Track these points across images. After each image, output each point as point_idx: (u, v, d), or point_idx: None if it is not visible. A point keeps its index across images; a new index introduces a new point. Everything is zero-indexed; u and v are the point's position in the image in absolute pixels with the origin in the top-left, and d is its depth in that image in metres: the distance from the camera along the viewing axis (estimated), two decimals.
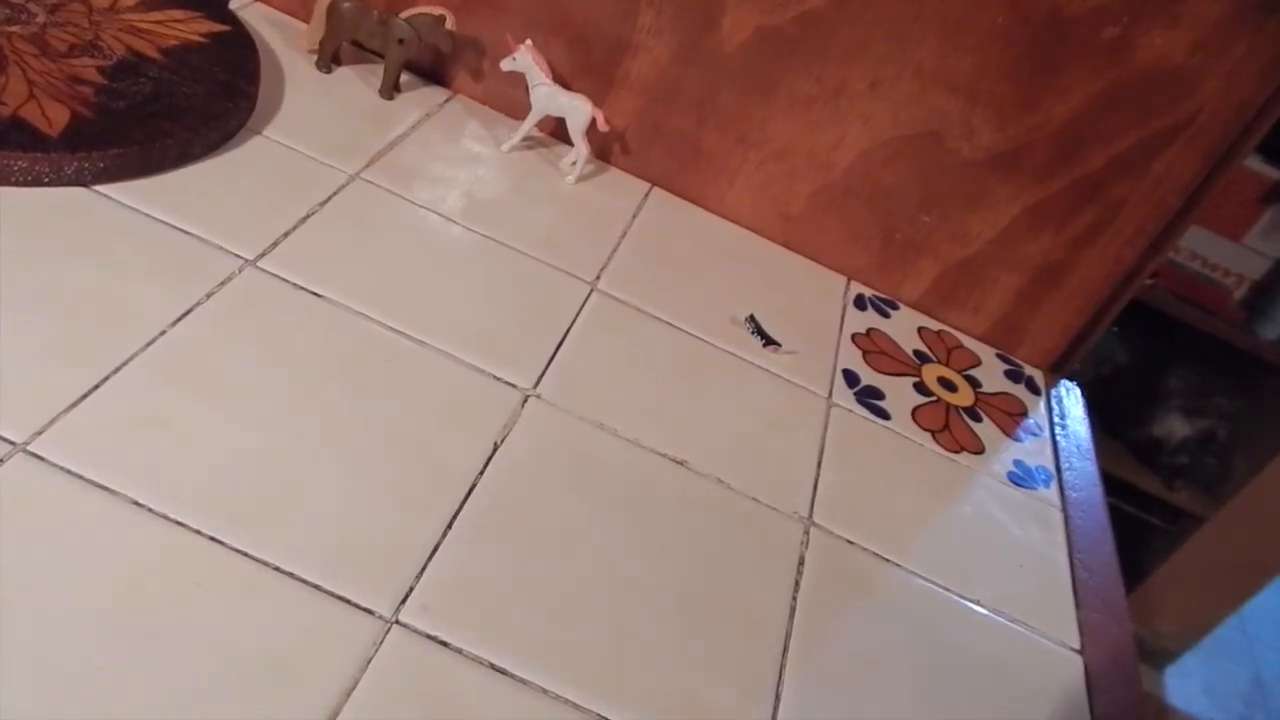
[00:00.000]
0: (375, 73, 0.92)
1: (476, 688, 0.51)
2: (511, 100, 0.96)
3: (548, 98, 0.89)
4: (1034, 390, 0.95)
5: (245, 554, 0.52)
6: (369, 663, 0.50)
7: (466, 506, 0.60)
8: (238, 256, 0.69)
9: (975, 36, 0.84)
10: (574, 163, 0.92)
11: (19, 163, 0.66)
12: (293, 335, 0.65)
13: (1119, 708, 0.67)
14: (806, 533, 0.69)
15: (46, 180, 0.67)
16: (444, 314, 0.72)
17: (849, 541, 0.70)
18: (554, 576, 0.58)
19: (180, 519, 0.52)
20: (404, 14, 0.88)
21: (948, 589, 0.70)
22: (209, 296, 0.65)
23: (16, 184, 0.66)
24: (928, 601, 0.68)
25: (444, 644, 0.52)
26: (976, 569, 0.72)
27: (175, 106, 0.74)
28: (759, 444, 0.74)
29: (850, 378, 0.85)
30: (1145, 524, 1.97)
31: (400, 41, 0.88)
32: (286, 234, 0.72)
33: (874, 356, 0.89)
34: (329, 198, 0.77)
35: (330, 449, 0.59)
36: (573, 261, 0.82)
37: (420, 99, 0.94)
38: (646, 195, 0.95)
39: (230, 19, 0.86)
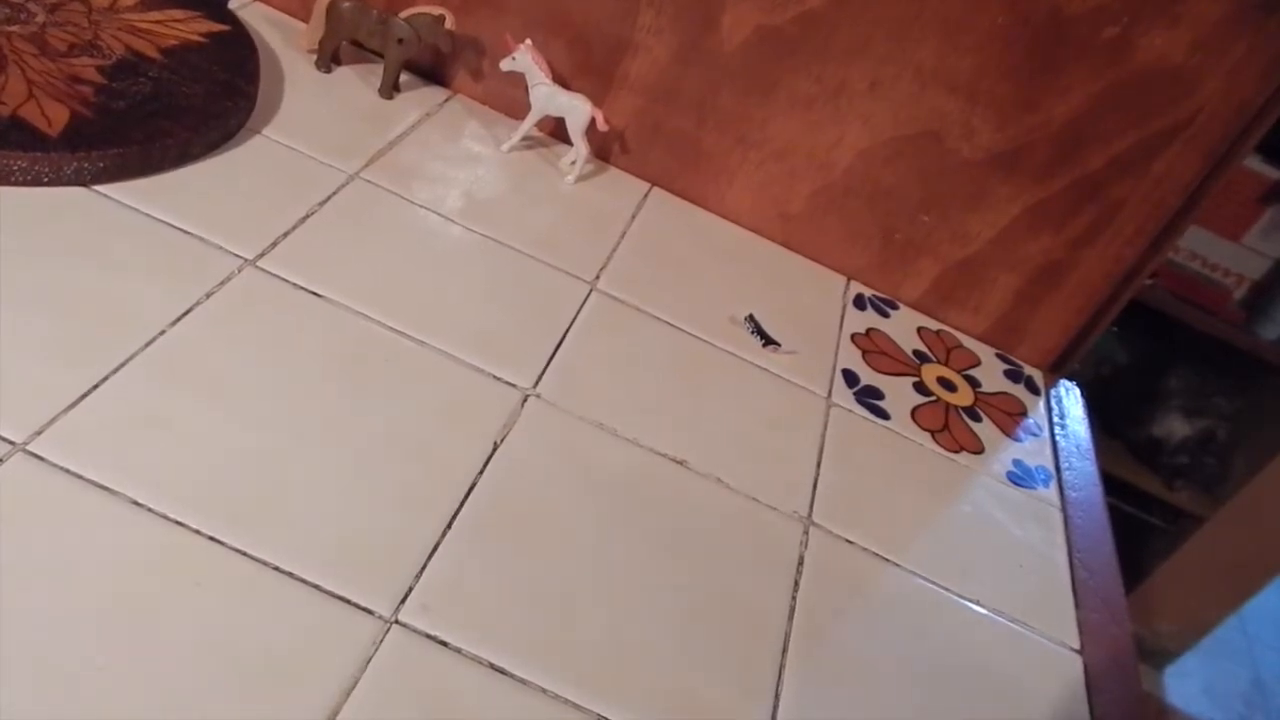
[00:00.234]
0: (375, 72, 0.92)
1: (476, 687, 0.51)
2: (511, 100, 0.96)
3: (547, 97, 0.89)
4: (1033, 390, 0.95)
5: (245, 554, 0.52)
6: (368, 662, 0.50)
7: (466, 506, 0.60)
8: (237, 256, 0.69)
9: (975, 36, 0.84)
10: (574, 162, 0.92)
11: (19, 162, 0.66)
12: (292, 335, 0.65)
13: (1119, 708, 0.67)
14: (806, 532, 0.69)
15: (46, 180, 0.67)
16: (444, 314, 0.72)
17: (848, 541, 0.70)
18: (554, 576, 0.58)
19: (180, 519, 0.52)
20: (403, 14, 0.88)
21: (947, 589, 0.70)
22: (209, 296, 0.65)
23: (16, 184, 0.66)
24: (927, 601, 0.68)
25: (443, 644, 0.52)
26: (976, 569, 0.72)
27: (175, 106, 0.74)
28: (759, 444, 0.74)
29: (850, 377, 0.85)
30: (1145, 524, 1.97)
31: (400, 41, 0.88)
32: (286, 234, 0.72)
33: (873, 356, 0.89)
34: (329, 197, 0.77)
35: (330, 449, 0.59)
36: (572, 261, 0.82)
37: (420, 99, 0.94)
38: (646, 195, 0.95)
39: (230, 19, 0.86)
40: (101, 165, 0.69)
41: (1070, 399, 0.97)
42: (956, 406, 0.87)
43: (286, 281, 0.69)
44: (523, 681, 0.52)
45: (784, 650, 0.60)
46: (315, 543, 0.54)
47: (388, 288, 0.72)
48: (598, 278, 0.82)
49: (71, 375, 0.56)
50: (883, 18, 0.85)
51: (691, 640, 0.58)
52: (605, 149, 0.96)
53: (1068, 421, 0.93)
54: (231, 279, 0.67)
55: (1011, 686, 0.65)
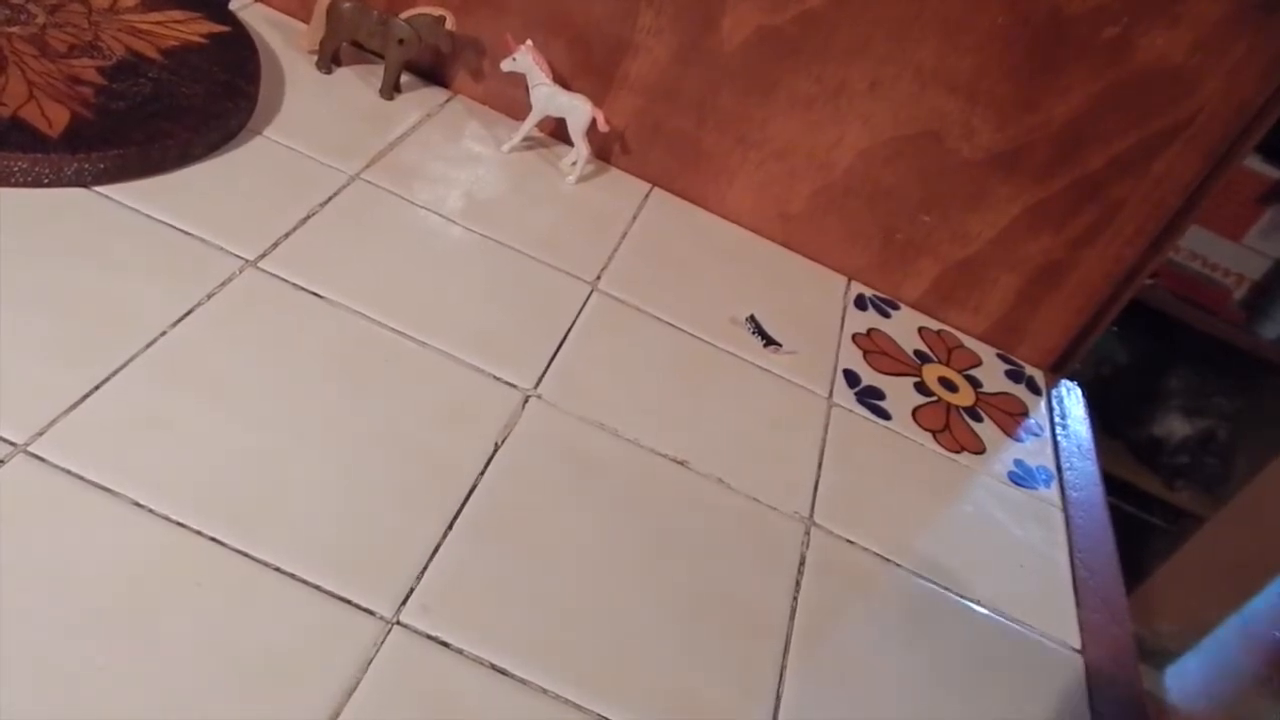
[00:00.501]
0: (375, 73, 0.92)
1: (477, 688, 0.51)
2: (512, 100, 0.96)
3: (548, 98, 0.89)
4: (1034, 390, 0.95)
5: (246, 554, 0.52)
6: (370, 663, 0.50)
7: (467, 507, 0.60)
8: (238, 257, 0.69)
9: (975, 36, 0.84)
10: (574, 163, 0.92)
11: (19, 163, 0.66)
12: (293, 336, 0.65)
13: (1119, 707, 0.67)
14: (807, 533, 0.69)
15: (47, 181, 0.67)
16: (444, 314, 0.72)
17: (849, 541, 0.70)
18: (554, 577, 0.58)
19: (181, 519, 0.52)
20: (404, 14, 0.88)
21: (948, 589, 0.70)
22: (209, 297, 0.65)
23: (17, 185, 0.66)
24: (928, 601, 0.68)
25: (444, 644, 0.52)
26: (977, 569, 0.72)
27: (175, 107, 0.74)
28: (760, 444, 0.74)
29: (851, 378, 0.85)
30: (1146, 524, 1.97)
31: (400, 42, 0.88)
32: (287, 234, 0.72)
33: (874, 356, 0.89)
34: (329, 198, 0.77)
35: (331, 449, 0.59)
36: (573, 262, 0.82)
37: (420, 99, 0.94)
38: (647, 195, 0.95)
39: (230, 19, 0.86)
40: (102, 166, 0.69)
41: (1071, 399, 0.97)
42: (958, 406, 0.87)
43: (287, 282, 0.69)
44: (524, 682, 0.52)
45: (785, 651, 0.60)
46: (316, 543, 0.54)
47: (389, 288, 0.72)
48: (599, 278, 0.82)
49: (72, 376, 0.56)
50: (883, 18, 0.85)
51: (692, 641, 0.58)
52: (606, 149, 0.96)
53: (1069, 421, 0.93)
54: (232, 280, 0.67)
55: (1012, 686, 0.65)
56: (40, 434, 0.53)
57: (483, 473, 0.62)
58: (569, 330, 0.76)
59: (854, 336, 0.90)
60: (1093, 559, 0.78)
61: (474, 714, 0.50)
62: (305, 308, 0.68)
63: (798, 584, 0.65)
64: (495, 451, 0.64)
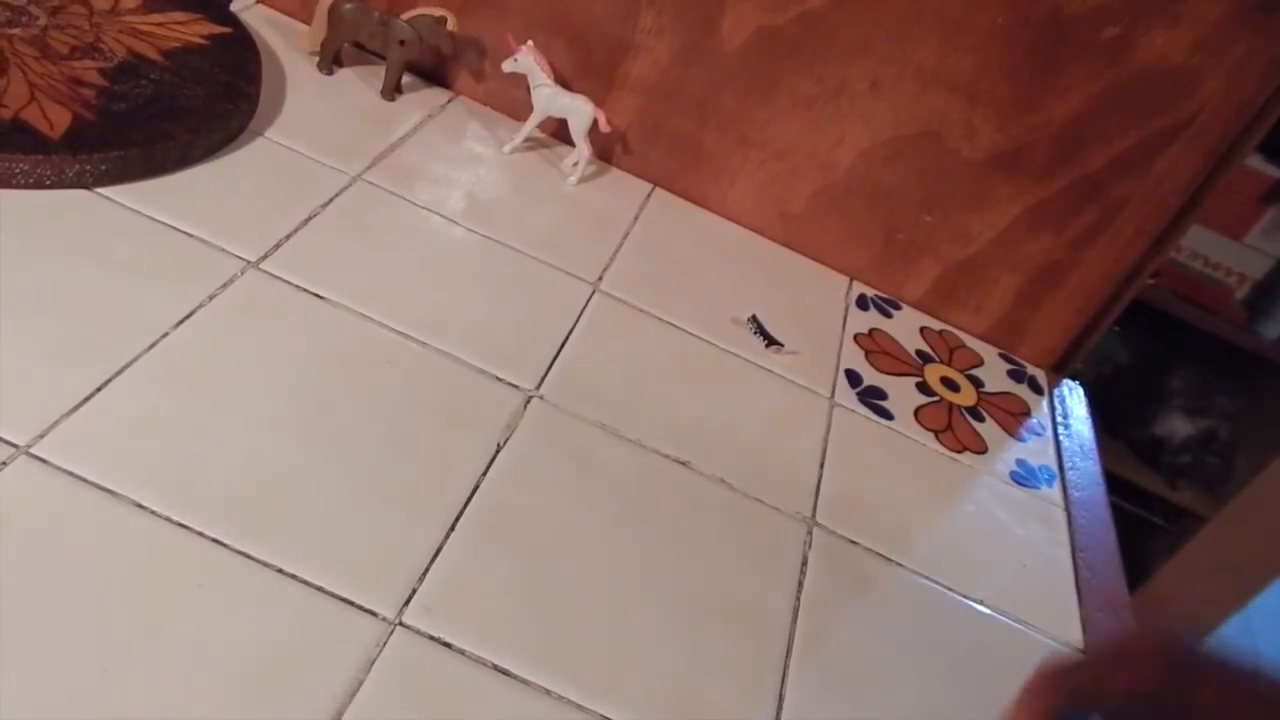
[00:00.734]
0: (377, 74, 0.92)
1: (480, 689, 0.51)
2: (513, 101, 0.96)
3: (549, 99, 0.89)
4: (1036, 390, 0.95)
5: (247, 555, 0.52)
6: (372, 664, 0.50)
7: (469, 508, 0.60)
8: (240, 258, 0.69)
9: (975, 36, 0.84)
10: (576, 164, 0.92)
11: (21, 165, 0.66)
12: (295, 337, 0.65)
13: None
14: (810, 533, 0.69)
15: (48, 182, 0.67)
16: (446, 315, 0.72)
17: (852, 542, 0.70)
18: (557, 577, 0.58)
19: (182, 521, 0.52)
20: (405, 15, 0.88)
21: (951, 588, 0.70)
22: (211, 298, 0.65)
23: (18, 186, 0.66)
24: (931, 601, 0.68)
25: (447, 645, 0.52)
26: (979, 568, 0.72)
27: (176, 108, 0.74)
28: (762, 444, 0.74)
29: (853, 378, 0.85)
30: (1147, 523, 1.96)
31: (401, 43, 0.88)
32: (288, 236, 0.72)
33: (876, 356, 0.89)
34: (331, 199, 0.77)
35: (333, 450, 0.59)
36: (575, 262, 0.82)
37: (422, 100, 0.94)
38: (648, 196, 0.95)
39: (231, 21, 0.86)
40: (103, 167, 0.69)
41: (1073, 399, 0.97)
42: (960, 406, 0.87)
43: (289, 283, 0.69)
44: (526, 682, 0.52)
45: (788, 651, 0.60)
46: (318, 545, 0.54)
47: (390, 289, 0.72)
48: (600, 279, 0.82)
49: (74, 378, 0.56)
50: (883, 18, 0.85)
51: (695, 641, 0.58)
52: (607, 150, 0.96)
53: (1071, 421, 0.93)
54: (234, 281, 0.67)
55: (1015, 686, 0.65)
56: (42, 436, 0.53)
57: (485, 473, 0.62)
58: (571, 331, 0.76)
59: (856, 336, 0.90)
60: (1095, 558, 0.78)
61: (476, 715, 0.50)
62: (307, 309, 0.68)
63: (800, 584, 0.65)
64: (497, 452, 0.64)
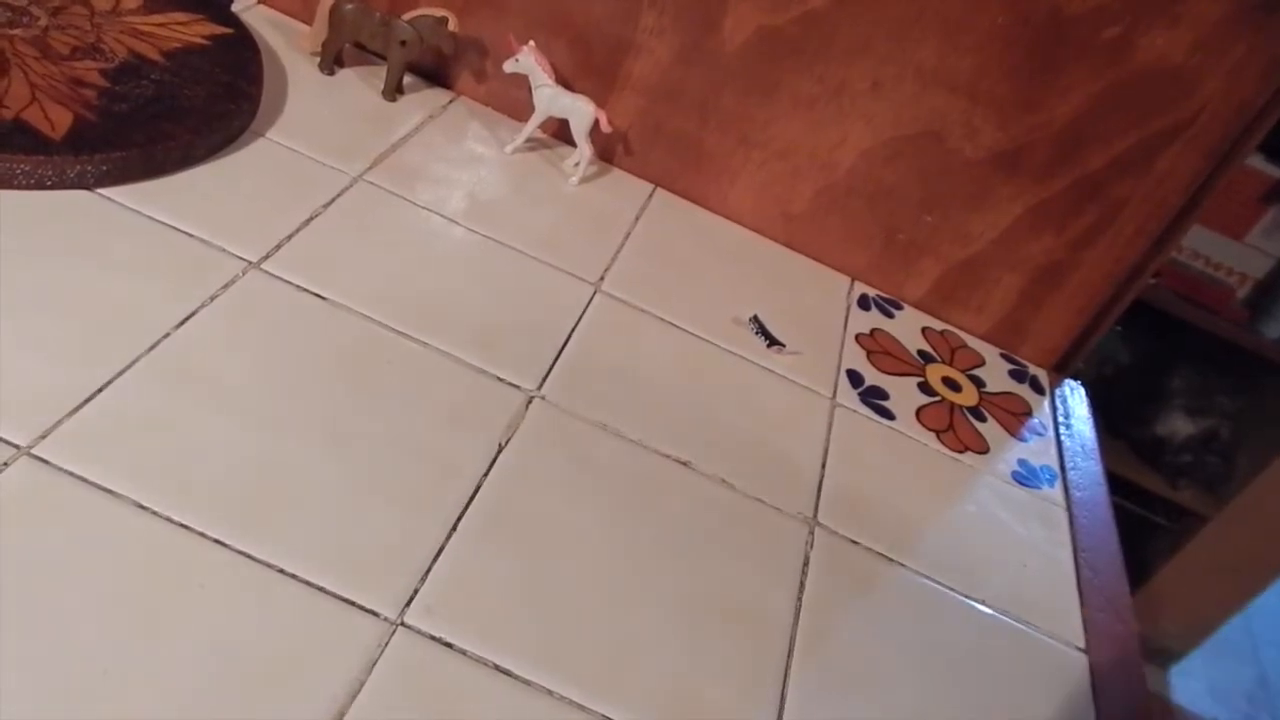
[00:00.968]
0: (378, 74, 0.92)
1: (481, 689, 0.51)
2: (514, 101, 0.96)
3: (550, 99, 0.89)
4: (1038, 390, 0.95)
5: (249, 556, 0.52)
6: (374, 665, 0.50)
7: (471, 508, 0.60)
8: (241, 259, 0.69)
9: (976, 36, 0.84)
10: (577, 164, 0.92)
11: (22, 166, 0.66)
12: (296, 337, 0.65)
13: (1124, 707, 0.67)
14: (811, 533, 0.69)
15: (49, 183, 0.67)
16: (447, 315, 0.72)
17: (853, 542, 0.70)
18: (558, 578, 0.58)
19: (184, 521, 0.52)
20: (406, 16, 0.88)
21: (952, 589, 0.70)
22: (212, 299, 0.65)
23: (19, 187, 0.66)
24: (932, 601, 0.68)
25: (448, 645, 0.52)
26: (981, 568, 0.72)
27: (177, 109, 0.74)
28: (763, 445, 0.74)
29: (854, 378, 0.85)
30: (1149, 523, 1.96)
31: (403, 43, 0.88)
32: (290, 236, 0.72)
33: (878, 356, 0.89)
34: (332, 200, 0.77)
35: (335, 451, 0.59)
36: (576, 262, 0.83)
37: (423, 101, 0.94)
38: (649, 196, 0.95)
39: (232, 21, 0.86)
40: (104, 168, 0.69)
41: (1075, 399, 0.97)
42: (961, 406, 0.87)
43: (290, 284, 0.69)
44: (527, 683, 0.52)
45: (789, 651, 0.60)
46: (320, 545, 0.54)
47: (392, 289, 0.72)
48: (602, 279, 0.82)
49: (76, 378, 0.56)
50: (883, 18, 0.85)
51: (697, 642, 0.58)
52: (608, 150, 0.96)
53: (1072, 421, 0.93)
54: (235, 281, 0.67)
55: (1017, 686, 0.65)
56: (44, 436, 0.53)
57: (486, 474, 0.62)
58: (572, 331, 0.76)
59: (857, 336, 0.90)
60: (1096, 558, 0.78)
61: (478, 715, 0.50)
62: (308, 309, 0.68)
63: (802, 584, 0.65)
64: (499, 452, 0.64)
